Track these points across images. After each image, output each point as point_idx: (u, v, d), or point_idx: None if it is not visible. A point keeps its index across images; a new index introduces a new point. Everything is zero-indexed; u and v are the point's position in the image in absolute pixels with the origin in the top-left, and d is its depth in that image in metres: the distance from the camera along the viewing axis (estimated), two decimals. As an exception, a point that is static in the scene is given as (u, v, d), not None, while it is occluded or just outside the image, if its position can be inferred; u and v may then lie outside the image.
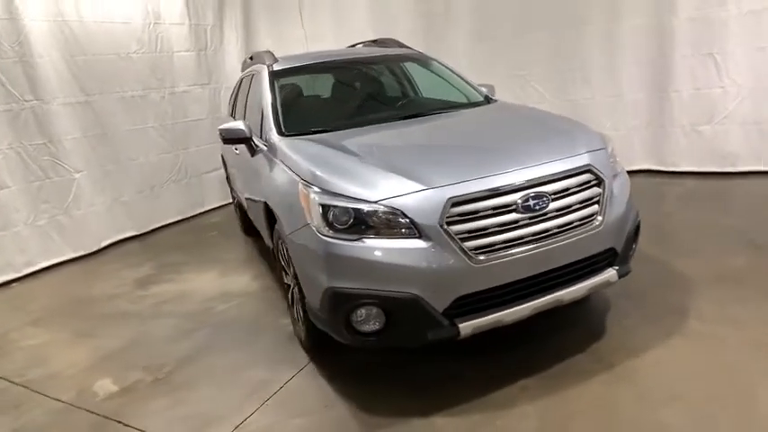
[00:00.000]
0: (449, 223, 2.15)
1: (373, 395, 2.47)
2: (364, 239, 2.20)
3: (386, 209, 2.19)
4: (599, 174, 2.41)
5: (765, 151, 4.69)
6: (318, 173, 2.42)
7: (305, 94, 3.82)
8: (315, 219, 2.31)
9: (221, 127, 3.40)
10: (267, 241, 3.37)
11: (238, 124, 3.34)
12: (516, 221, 2.22)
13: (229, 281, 4.16)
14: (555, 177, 2.31)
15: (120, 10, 5.44)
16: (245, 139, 3.37)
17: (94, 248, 5.28)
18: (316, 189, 2.35)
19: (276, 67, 3.70)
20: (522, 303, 2.26)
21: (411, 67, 4.12)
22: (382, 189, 2.24)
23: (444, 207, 2.15)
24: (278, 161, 2.86)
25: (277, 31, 6.96)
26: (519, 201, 2.21)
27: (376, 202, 2.21)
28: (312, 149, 2.76)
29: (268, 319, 3.39)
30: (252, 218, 4.00)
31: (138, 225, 5.73)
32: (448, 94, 3.73)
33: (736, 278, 3.02)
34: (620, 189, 2.51)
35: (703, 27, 4.68)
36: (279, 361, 2.88)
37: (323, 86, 3.91)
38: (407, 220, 2.16)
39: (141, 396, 2.76)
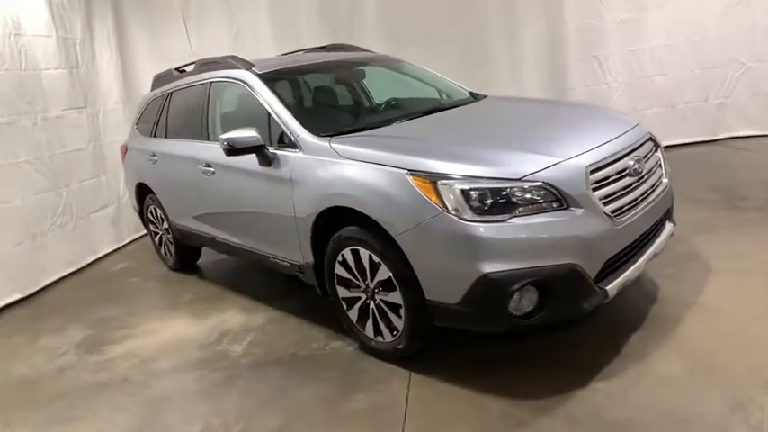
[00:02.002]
0: (592, 190, 2.24)
1: (514, 380, 2.39)
2: (514, 218, 2.16)
3: (533, 184, 2.18)
4: (656, 141, 2.74)
5: (643, 133, 5.75)
6: (439, 161, 2.29)
7: (304, 97, 3.51)
8: (453, 206, 2.18)
9: (228, 136, 2.95)
10: (300, 258, 3.00)
11: (249, 132, 2.94)
12: (630, 184, 2.40)
13: (217, 321, 3.57)
14: (638, 144, 2.56)
15: (-29, 17, 4.31)
16: (259, 148, 2.98)
17: (-30, 323, 4.04)
18: (448, 176, 2.22)
19: (263, 71, 3.35)
20: (638, 259, 2.44)
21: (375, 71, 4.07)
22: (520, 166, 2.22)
23: (586, 175, 2.23)
24: (345, 162, 2.59)
25: (157, 45, 6.24)
26: (630, 165, 2.41)
27: (520, 179, 2.18)
28: (391, 143, 2.59)
29: (312, 347, 3.01)
30: (247, 240, 3.47)
31: (21, 285, 4.53)
32: (432, 92, 3.79)
33: (709, 226, 3.64)
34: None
35: (587, 34, 5.57)
36: (372, 382, 2.58)
37: (315, 89, 3.64)
38: (555, 193, 2.18)
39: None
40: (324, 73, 3.72)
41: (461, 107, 3.34)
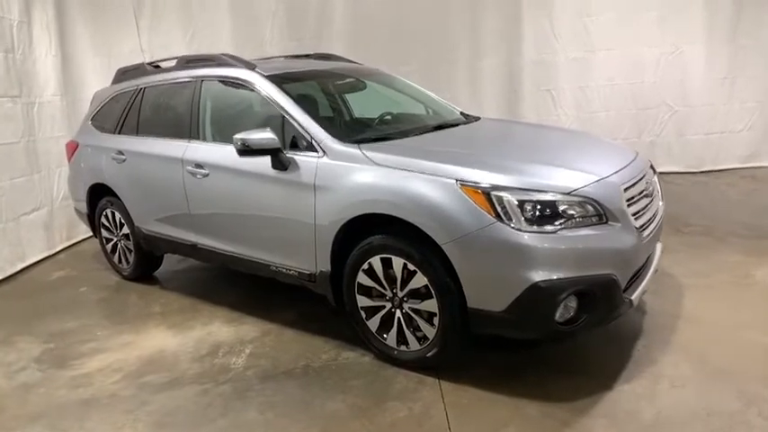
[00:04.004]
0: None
1: (542, 385, 2.50)
2: (563, 230, 2.29)
3: (580, 198, 2.33)
4: (654, 168, 3.05)
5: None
6: (490, 173, 2.38)
7: (313, 103, 3.43)
8: (508, 216, 2.27)
9: (243, 136, 2.84)
10: (313, 267, 2.92)
11: (266, 133, 2.85)
12: (646, 205, 2.65)
13: (203, 333, 3.34)
14: (646, 170, 2.84)
15: None
16: (275, 151, 2.89)
17: None
18: (502, 187, 2.31)
19: (270, 73, 3.26)
20: (647, 273, 2.68)
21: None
22: (567, 181, 2.37)
23: (621, 192, 2.44)
24: (382, 169, 2.59)
25: (102, 39, 5.81)
26: (645, 187, 2.66)
27: (569, 194, 2.33)
28: (431, 153, 2.64)
29: (323, 358, 2.92)
30: (243, 248, 3.28)
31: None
32: (428, 109, 3.90)
33: (665, 248, 4.03)
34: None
35: (542, 68, 6.02)
36: (402, 391, 2.56)
37: (325, 96, 3.58)
38: (598, 207, 2.34)
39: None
40: (328, 81, 3.69)
41: (467, 125, 3.47)
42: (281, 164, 2.92)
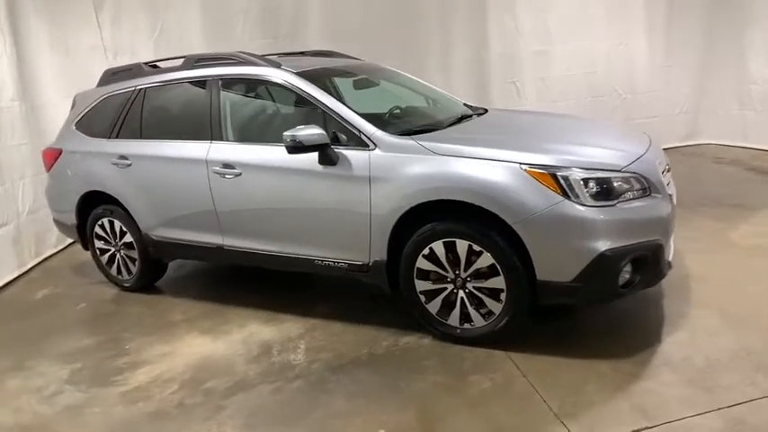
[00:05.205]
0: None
1: (599, 346, 2.75)
2: (619, 203, 2.55)
3: (630, 174, 2.60)
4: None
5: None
6: (551, 155, 2.60)
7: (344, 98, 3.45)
8: (575, 193, 2.48)
9: (294, 133, 2.85)
10: (366, 257, 2.99)
11: (316, 129, 2.89)
12: (669, 178, 2.98)
13: (244, 335, 3.29)
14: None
15: None
16: (324, 146, 2.93)
17: None
18: (567, 167, 2.53)
19: (300, 70, 3.27)
20: (672, 237, 3.02)
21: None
22: (617, 159, 2.64)
23: (657, 167, 2.74)
24: (444, 158, 2.72)
25: (59, 36, 5.42)
26: (666, 163, 3.00)
27: (620, 171, 2.59)
28: (488, 141, 2.84)
29: (384, 345, 3.00)
30: (283, 245, 3.26)
31: None
32: (435, 101, 4.07)
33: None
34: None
35: (507, 61, 6.38)
36: (477, 365, 2.71)
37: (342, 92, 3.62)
38: (644, 181, 2.62)
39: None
40: (344, 77, 3.74)
41: (487, 115, 3.65)
42: (329, 159, 2.95)
